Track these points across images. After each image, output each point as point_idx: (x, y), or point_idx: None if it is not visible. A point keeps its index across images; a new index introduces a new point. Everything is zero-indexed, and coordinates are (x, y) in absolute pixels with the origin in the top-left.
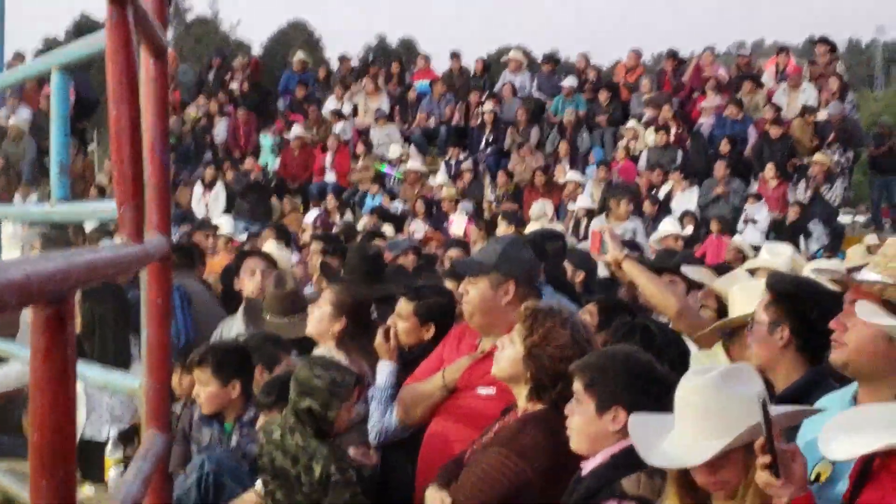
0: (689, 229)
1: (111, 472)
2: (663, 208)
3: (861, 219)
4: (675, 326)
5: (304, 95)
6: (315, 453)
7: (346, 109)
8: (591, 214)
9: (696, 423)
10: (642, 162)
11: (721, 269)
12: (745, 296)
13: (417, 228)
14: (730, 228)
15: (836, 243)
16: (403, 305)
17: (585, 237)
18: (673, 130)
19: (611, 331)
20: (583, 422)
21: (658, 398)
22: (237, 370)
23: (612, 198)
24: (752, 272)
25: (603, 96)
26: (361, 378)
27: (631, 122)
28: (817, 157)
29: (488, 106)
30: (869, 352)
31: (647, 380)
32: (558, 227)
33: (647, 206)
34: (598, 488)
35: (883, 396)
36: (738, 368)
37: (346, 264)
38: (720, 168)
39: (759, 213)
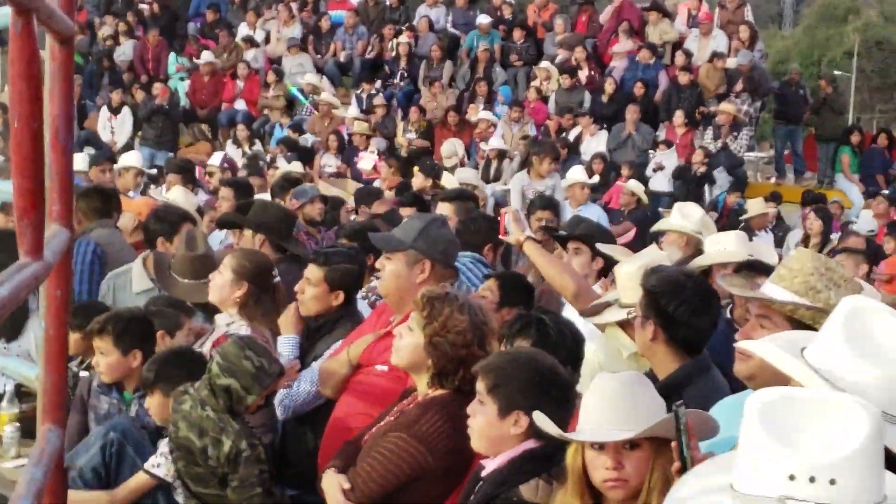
0: (596, 178)
1: (6, 429)
2: (573, 151)
3: (763, 155)
4: (574, 306)
5: (216, 20)
6: (226, 427)
7: (259, 36)
8: (502, 155)
9: (611, 413)
10: (551, 105)
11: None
12: (633, 281)
13: (328, 163)
14: (639, 174)
15: (740, 191)
16: (313, 271)
17: (497, 178)
18: (585, 73)
19: (506, 325)
20: (485, 423)
21: (560, 402)
22: (139, 340)
23: (534, 154)
24: (663, 233)
25: (517, 34)
26: (282, 371)
27: (544, 63)
28: (724, 106)
29: (403, 39)
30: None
31: (550, 384)
32: (469, 167)
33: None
34: (496, 494)
35: None
36: (640, 376)
37: (253, 222)
38: (631, 113)
39: (668, 160)
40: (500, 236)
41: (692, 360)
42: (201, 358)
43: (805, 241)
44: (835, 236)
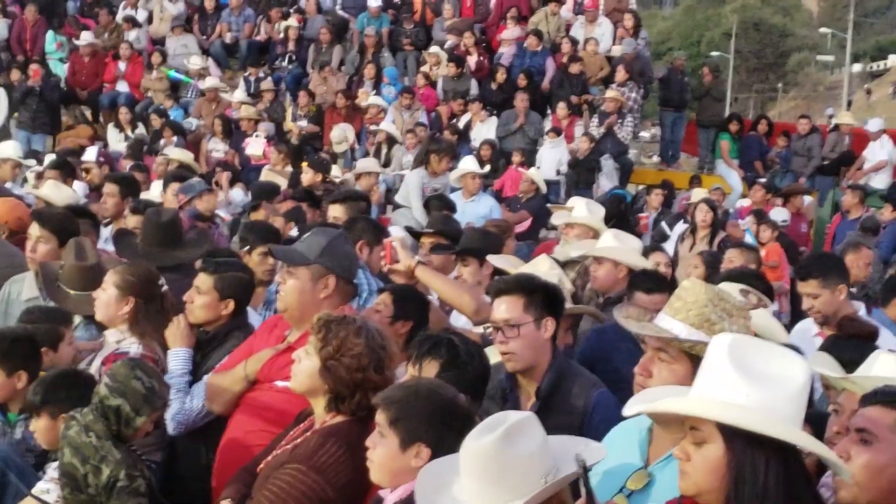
0: (487, 168)
1: None
2: (463, 138)
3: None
4: (475, 322)
5: None
6: (107, 455)
7: (141, 16)
8: (392, 141)
9: (481, 486)
10: (439, 91)
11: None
12: None
13: (215, 147)
14: (529, 161)
15: (625, 178)
16: (203, 279)
17: (387, 164)
18: (474, 59)
19: (415, 345)
20: (386, 456)
21: (461, 432)
22: (23, 360)
23: (433, 152)
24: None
25: (407, 19)
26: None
27: (434, 48)
28: (610, 93)
29: (292, 22)
30: None
31: (450, 415)
32: (359, 153)
33: (447, 136)
34: None
35: (678, 434)
36: (521, 423)
37: (141, 232)
38: (520, 100)
39: (557, 147)
40: (389, 264)
41: (556, 362)
42: (90, 380)
43: (692, 231)
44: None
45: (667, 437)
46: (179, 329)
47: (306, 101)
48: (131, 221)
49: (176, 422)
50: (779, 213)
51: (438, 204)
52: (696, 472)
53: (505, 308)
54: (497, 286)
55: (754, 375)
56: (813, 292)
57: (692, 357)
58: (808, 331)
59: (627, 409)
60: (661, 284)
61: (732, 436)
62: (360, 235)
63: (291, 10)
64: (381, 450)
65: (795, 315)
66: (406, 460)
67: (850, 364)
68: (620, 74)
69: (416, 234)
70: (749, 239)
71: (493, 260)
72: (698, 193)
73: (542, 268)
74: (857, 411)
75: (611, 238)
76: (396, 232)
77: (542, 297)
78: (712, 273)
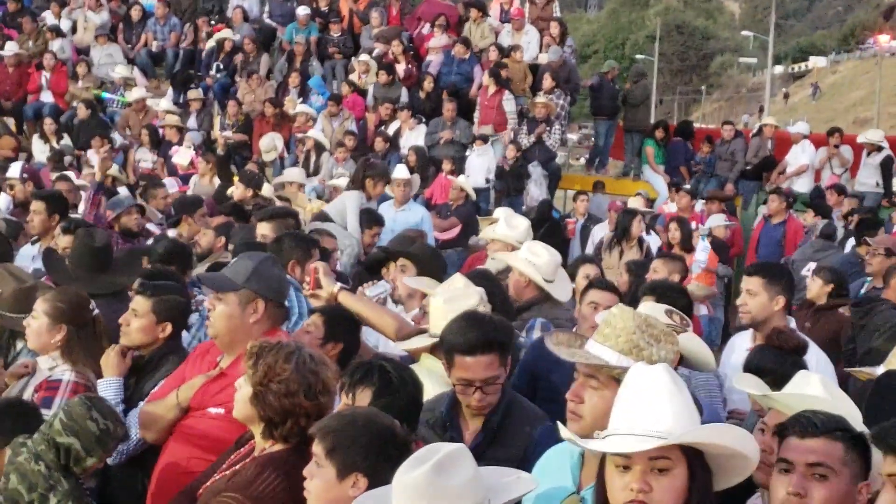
0: (418, 179)
1: None
2: (393, 146)
3: (575, 137)
4: (394, 341)
5: (18, 9)
6: (56, 485)
7: (65, 26)
8: (320, 148)
9: None
10: (369, 99)
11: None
12: (442, 310)
13: (143, 157)
14: (459, 168)
15: (554, 185)
16: (140, 302)
17: (316, 172)
18: (402, 67)
19: (347, 373)
20: (322, 487)
21: (398, 461)
22: None
23: (368, 177)
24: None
25: (334, 27)
26: (126, 434)
27: (363, 56)
28: (540, 100)
29: (226, 33)
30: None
31: (388, 445)
32: (288, 162)
33: (379, 143)
34: None
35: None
36: (453, 455)
37: (70, 255)
38: (448, 109)
39: (485, 155)
40: (311, 290)
41: None
42: (35, 410)
43: (620, 240)
44: (651, 238)
45: (598, 462)
46: (111, 359)
47: (235, 110)
48: (62, 241)
49: (116, 452)
50: (716, 219)
51: (368, 218)
52: (661, 500)
53: (485, 366)
54: (473, 345)
55: (687, 402)
56: (753, 289)
57: (619, 382)
58: (740, 345)
59: (604, 447)
60: (612, 285)
61: (695, 459)
62: (289, 255)
63: (213, 20)
64: (318, 480)
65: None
66: (343, 490)
67: (772, 375)
68: (547, 82)
69: (390, 256)
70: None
71: (409, 282)
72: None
73: (458, 284)
74: (791, 443)
75: (523, 250)
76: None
77: (507, 346)
78: (637, 282)
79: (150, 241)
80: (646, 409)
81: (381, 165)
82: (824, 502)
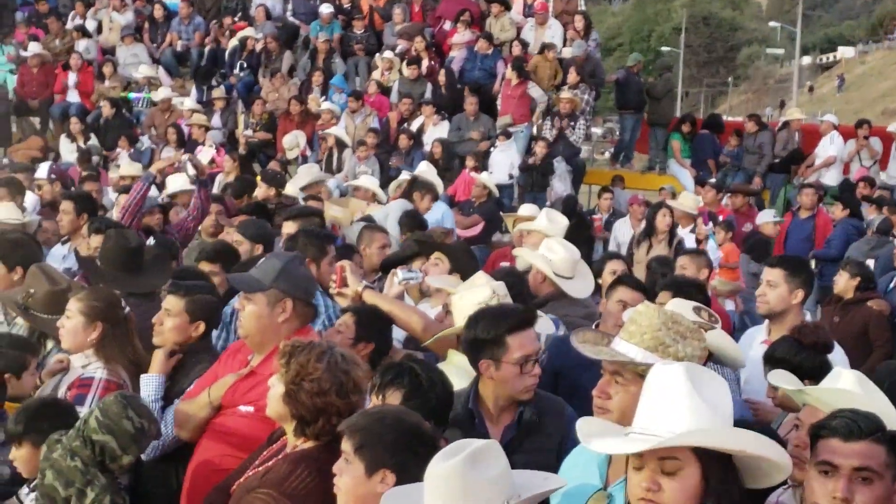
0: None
1: None
2: (416, 142)
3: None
4: (422, 340)
5: (47, 10)
6: (93, 480)
7: (91, 26)
8: (342, 146)
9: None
10: (394, 95)
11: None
12: (464, 304)
13: (168, 155)
14: (483, 164)
15: (578, 180)
16: (173, 302)
17: (339, 169)
18: (425, 63)
19: (377, 374)
20: (352, 483)
21: (426, 458)
22: None
23: (416, 191)
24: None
25: (357, 24)
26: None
27: (387, 53)
28: (564, 95)
29: (248, 31)
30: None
31: (415, 441)
32: (312, 159)
33: (403, 140)
34: None
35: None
36: (484, 448)
37: (102, 256)
38: (471, 103)
39: (508, 150)
40: (338, 288)
41: None
42: (70, 408)
43: (648, 234)
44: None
45: (625, 458)
46: (157, 357)
47: (261, 108)
48: (93, 241)
49: (152, 447)
50: (765, 216)
51: (410, 222)
52: (671, 501)
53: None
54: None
55: (711, 400)
56: (774, 281)
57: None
58: (756, 338)
59: (599, 447)
60: (641, 284)
61: (710, 461)
62: (303, 252)
63: (236, 18)
64: (347, 476)
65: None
66: (371, 486)
67: (794, 368)
68: (572, 76)
69: (423, 249)
70: (713, 249)
71: (432, 280)
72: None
73: (479, 282)
74: (834, 445)
75: (542, 247)
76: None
77: None
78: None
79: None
80: (661, 409)
81: (429, 181)
82: None
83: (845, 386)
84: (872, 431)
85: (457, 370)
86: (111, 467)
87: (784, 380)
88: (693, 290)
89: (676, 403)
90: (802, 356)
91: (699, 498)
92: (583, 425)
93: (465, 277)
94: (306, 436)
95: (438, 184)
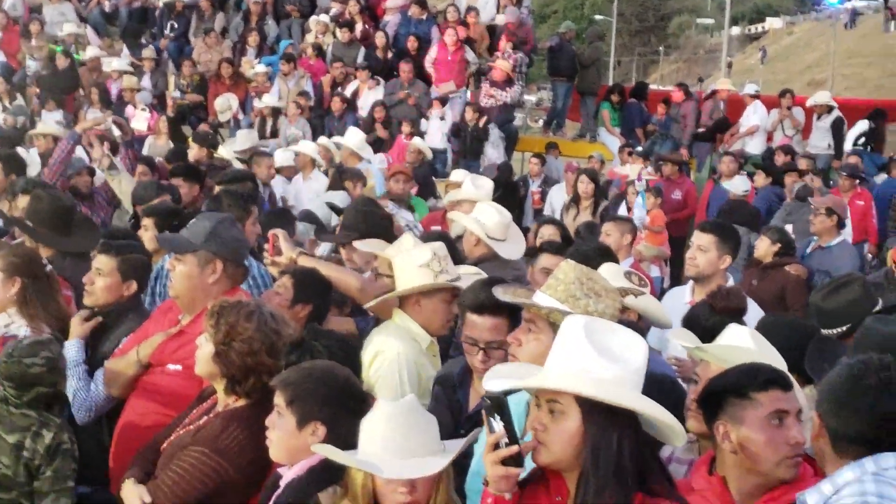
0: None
1: None
2: (350, 107)
3: (534, 98)
4: (363, 302)
5: None
6: (48, 422)
7: None
8: (276, 112)
9: (405, 441)
10: (328, 58)
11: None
12: (406, 266)
13: (93, 117)
14: (417, 130)
15: (511, 147)
16: (105, 262)
17: (274, 135)
18: (358, 27)
19: (284, 355)
20: (284, 436)
21: (356, 412)
22: None
23: (346, 179)
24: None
25: None
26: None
27: (321, 16)
28: (500, 62)
29: None
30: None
31: (345, 395)
32: (245, 124)
33: (336, 104)
34: (296, 502)
35: None
36: (411, 400)
37: (33, 216)
38: (405, 70)
39: (445, 116)
40: (272, 256)
41: None
42: None
43: (576, 201)
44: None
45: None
46: (75, 323)
47: (190, 70)
48: (21, 202)
49: (85, 409)
50: (738, 183)
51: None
52: (552, 443)
53: (491, 328)
54: (482, 304)
55: (606, 352)
56: (705, 245)
57: (556, 329)
58: (681, 298)
59: (488, 384)
60: (562, 248)
61: (590, 409)
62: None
63: None
64: (279, 430)
65: (675, 280)
66: (303, 438)
67: (710, 331)
68: (504, 43)
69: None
70: (640, 205)
71: (360, 245)
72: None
73: (407, 245)
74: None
75: (474, 210)
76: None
77: (519, 315)
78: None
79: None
80: (558, 355)
81: (356, 170)
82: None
83: (739, 342)
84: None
85: (398, 329)
86: (59, 403)
87: (683, 337)
88: (606, 257)
89: (570, 352)
90: (715, 319)
91: (580, 444)
92: (495, 368)
93: (371, 236)
94: (237, 394)
95: (366, 150)
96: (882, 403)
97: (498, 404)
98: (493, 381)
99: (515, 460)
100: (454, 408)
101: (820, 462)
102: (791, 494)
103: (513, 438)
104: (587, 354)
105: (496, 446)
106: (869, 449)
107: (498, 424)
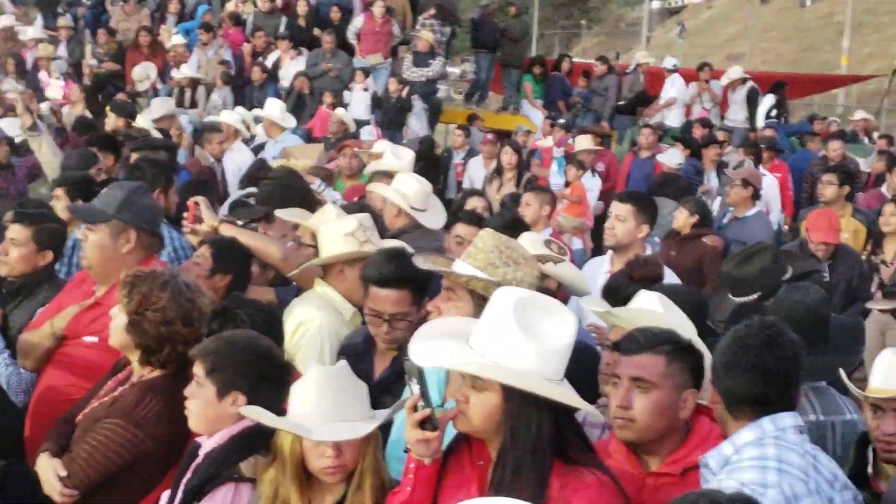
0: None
1: None
2: (272, 77)
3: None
4: (286, 271)
5: None
6: None
7: None
8: (194, 83)
9: (335, 406)
10: (248, 28)
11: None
12: (331, 234)
13: (9, 87)
14: (340, 101)
15: (434, 118)
16: (19, 231)
17: (193, 105)
18: None
19: (208, 319)
20: (203, 406)
21: (277, 381)
22: None
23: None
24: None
25: None
26: None
27: None
28: (424, 33)
29: None
30: None
31: (266, 365)
32: (164, 93)
33: (256, 74)
34: (217, 472)
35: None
36: (342, 366)
37: None
38: (327, 41)
39: (369, 88)
40: (191, 224)
41: None
42: None
43: (499, 173)
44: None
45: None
46: None
47: (106, 38)
48: None
49: (22, 392)
50: (582, 142)
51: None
52: (473, 414)
53: (395, 301)
54: (386, 278)
55: (532, 333)
56: (622, 215)
57: (475, 296)
58: (600, 267)
59: (415, 347)
60: (478, 220)
61: (510, 391)
62: (146, 182)
63: None
64: (199, 399)
65: (599, 252)
66: (223, 408)
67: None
68: (427, 14)
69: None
70: (556, 176)
71: (281, 213)
72: (581, 142)
73: (330, 214)
74: (620, 360)
75: (395, 181)
76: None
77: (422, 286)
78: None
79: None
80: (484, 328)
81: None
82: (646, 412)
83: (646, 305)
84: (652, 344)
85: (319, 299)
86: None
87: (593, 303)
88: (521, 227)
89: (496, 329)
90: (633, 288)
91: (500, 419)
92: (426, 326)
93: (283, 206)
94: (152, 365)
95: (289, 120)
96: (766, 360)
97: (417, 372)
98: (421, 343)
99: (431, 424)
100: (360, 377)
101: (722, 428)
102: (693, 457)
103: (427, 402)
104: (513, 334)
105: (414, 409)
106: (762, 408)
107: (415, 388)
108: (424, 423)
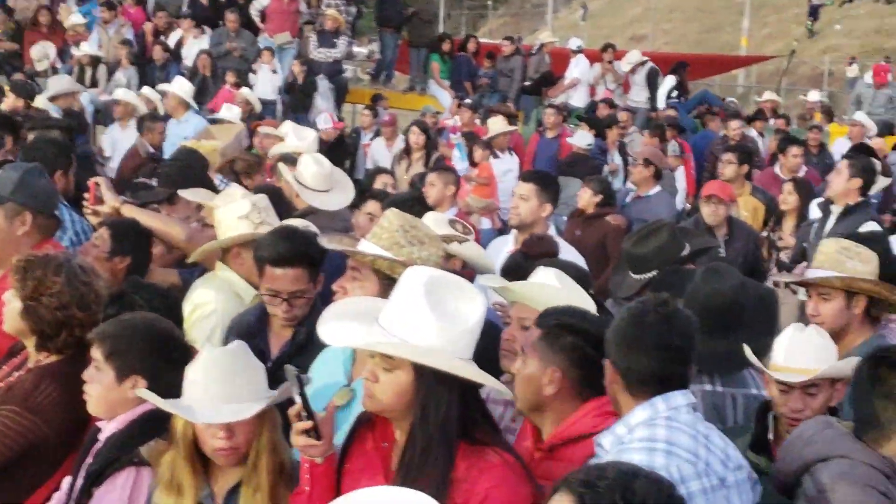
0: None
1: None
2: (175, 57)
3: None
4: (189, 252)
5: None
6: None
7: None
8: (95, 62)
9: (224, 387)
10: (150, 5)
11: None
12: (226, 217)
13: None
14: (245, 81)
15: (341, 99)
16: None
17: (94, 85)
18: None
19: (106, 304)
20: (102, 390)
21: (178, 364)
22: None
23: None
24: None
25: None
26: None
27: None
28: (331, 12)
29: None
30: None
31: (166, 347)
32: (63, 73)
33: (158, 53)
34: (117, 456)
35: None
36: (240, 344)
37: None
38: (231, 20)
39: (277, 70)
40: (92, 205)
41: None
42: None
43: (407, 153)
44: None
45: (367, 356)
46: None
47: (4, 17)
48: None
49: None
50: (495, 124)
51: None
52: (383, 393)
53: (293, 279)
54: (283, 257)
55: (442, 312)
56: (526, 195)
57: (381, 276)
58: (504, 246)
59: (324, 326)
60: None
61: (421, 370)
62: (44, 163)
63: None
64: (98, 384)
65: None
66: (122, 392)
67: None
68: None
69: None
70: (459, 157)
71: (185, 194)
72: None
73: (237, 194)
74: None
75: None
76: None
77: (317, 262)
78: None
79: None
80: (395, 308)
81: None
82: (517, 384)
83: (544, 280)
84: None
85: (220, 282)
86: None
87: (490, 280)
88: (418, 206)
89: (406, 308)
90: (530, 265)
91: (410, 398)
92: (334, 305)
93: (185, 186)
94: (48, 350)
95: (188, 93)
96: (664, 338)
97: (297, 380)
98: (330, 324)
99: (315, 433)
100: (257, 356)
101: (616, 409)
102: (565, 434)
103: (309, 413)
104: (423, 314)
105: (298, 418)
106: (661, 387)
107: (298, 398)
108: (309, 431)
